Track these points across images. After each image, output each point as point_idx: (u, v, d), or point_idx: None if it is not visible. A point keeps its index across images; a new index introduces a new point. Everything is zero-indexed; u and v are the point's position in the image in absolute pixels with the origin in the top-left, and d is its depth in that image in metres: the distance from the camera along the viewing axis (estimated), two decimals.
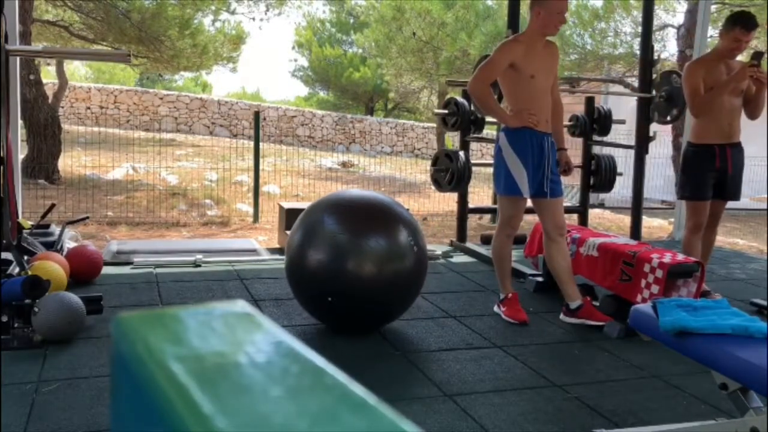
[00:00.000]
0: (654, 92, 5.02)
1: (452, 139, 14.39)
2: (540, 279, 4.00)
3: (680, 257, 3.25)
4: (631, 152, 5.21)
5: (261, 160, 7.50)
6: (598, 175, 5.11)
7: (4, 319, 2.69)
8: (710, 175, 3.73)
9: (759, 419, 1.83)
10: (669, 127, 7.27)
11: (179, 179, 9.39)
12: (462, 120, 4.91)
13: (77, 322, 2.81)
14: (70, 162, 9.05)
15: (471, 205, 5.32)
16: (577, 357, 2.96)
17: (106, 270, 3.92)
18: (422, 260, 3.04)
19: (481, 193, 9.44)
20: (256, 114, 7.43)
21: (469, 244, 5.17)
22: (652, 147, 5.20)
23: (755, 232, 9.14)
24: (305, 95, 29.29)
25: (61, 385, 2.37)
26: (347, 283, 2.85)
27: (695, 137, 3.76)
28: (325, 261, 2.85)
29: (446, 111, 5.05)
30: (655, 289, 3.12)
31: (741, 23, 3.57)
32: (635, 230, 5.29)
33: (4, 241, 3.10)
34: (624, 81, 10.18)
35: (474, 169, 5.02)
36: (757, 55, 3.55)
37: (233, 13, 11.54)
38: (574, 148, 4.70)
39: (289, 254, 3.04)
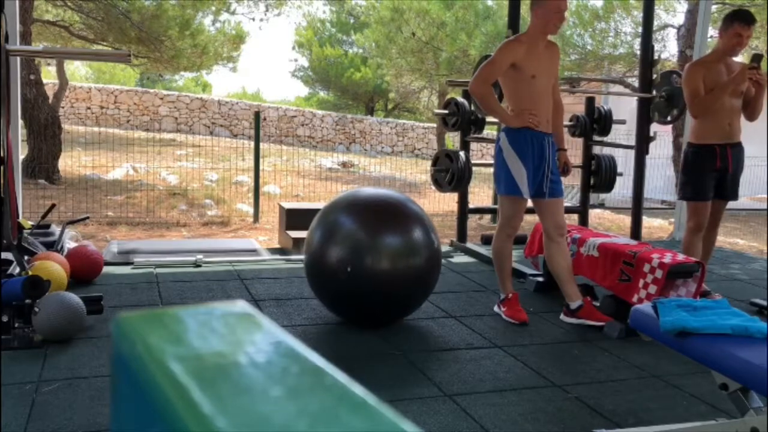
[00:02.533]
0: (654, 92, 5.02)
1: (452, 139, 14.40)
2: (540, 279, 4.00)
3: (680, 257, 3.25)
4: (631, 152, 5.21)
5: (261, 160, 7.50)
6: (599, 176, 5.11)
7: (5, 319, 2.69)
8: (711, 175, 3.73)
9: (759, 419, 1.83)
10: (669, 127, 7.27)
11: (179, 179, 9.39)
12: (462, 120, 4.91)
13: (77, 322, 2.81)
14: (71, 162, 9.06)
15: (471, 205, 5.32)
16: (577, 357, 2.96)
17: (107, 270, 3.92)
18: (436, 255, 3.22)
19: (481, 193, 9.44)
20: (257, 114, 7.43)
21: (469, 244, 5.17)
22: (653, 147, 5.20)
23: (755, 232, 9.14)
24: (305, 95, 29.32)
25: (61, 385, 2.37)
26: (366, 277, 2.96)
27: (696, 137, 3.77)
28: (345, 257, 2.97)
29: (446, 111, 5.05)
30: (652, 289, 3.12)
31: (739, 18, 3.61)
32: (635, 230, 5.29)
33: (5, 241, 3.10)
34: (624, 81, 10.18)
35: (474, 169, 5.02)
36: (757, 58, 3.56)
37: (233, 13, 11.54)
38: (574, 148, 4.70)
39: (309, 252, 3.15)
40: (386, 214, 3.08)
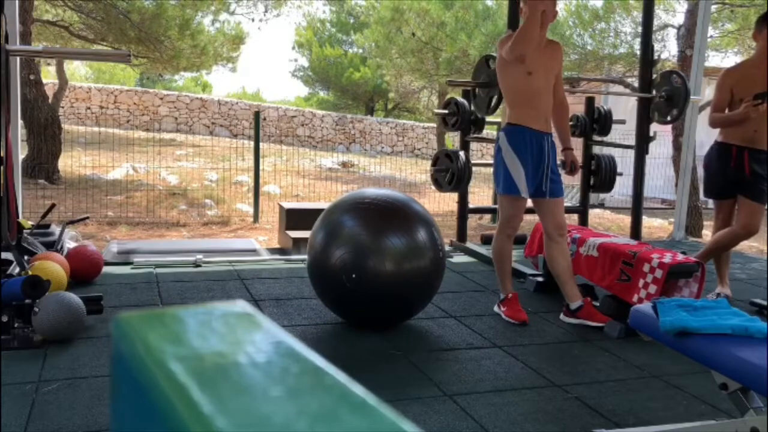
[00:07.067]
0: (654, 92, 5.02)
1: (452, 139, 14.40)
2: (540, 279, 4.00)
3: (680, 257, 3.24)
4: (631, 152, 5.21)
5: (261, 160, 7.50)
6: (598, 175, 5.11)
7: (5, 319, 2.69)
8: (726, 173, 3.80)
9: (759, 419, 1.83)
10: (669, 127, 7.26)
11: (179, 179, 9.39)
12: (462, 120, 4.91)
13: (77, 322, 2.81)
14: (70, 162, 9.06)
15: (471, 205, 5.32)
16: (577, 357, 2.96)
17: (107, 270, 3.92)
18: (441, 258, 3.15)
19: (481, 193, 9.44)
20: (257, 114, 7.43)
21: (469, 244, 5.17)
22: (652, 147, 5.20)
23: None
24: (305, 95, 29.31)
25: (61, 385, 2.37)
26: (369, 279, 2.92)
27: (720, 136, 3.83)
28: (348, 259, 2.94)
29: (446, 111, 5.05)
30: (652, 289, 3.12)
31: None
32: (635, 230, 5.28)
33: (4, 241, 3.10)
34: (624, 81, 10.17)
35: (474, 169, 5.02)
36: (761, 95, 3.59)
37: (233, 13, 11.55)
38: (574, 149, 4.70)
39: (312, 253, 3.12)
40: (391, 215, 3.04)
